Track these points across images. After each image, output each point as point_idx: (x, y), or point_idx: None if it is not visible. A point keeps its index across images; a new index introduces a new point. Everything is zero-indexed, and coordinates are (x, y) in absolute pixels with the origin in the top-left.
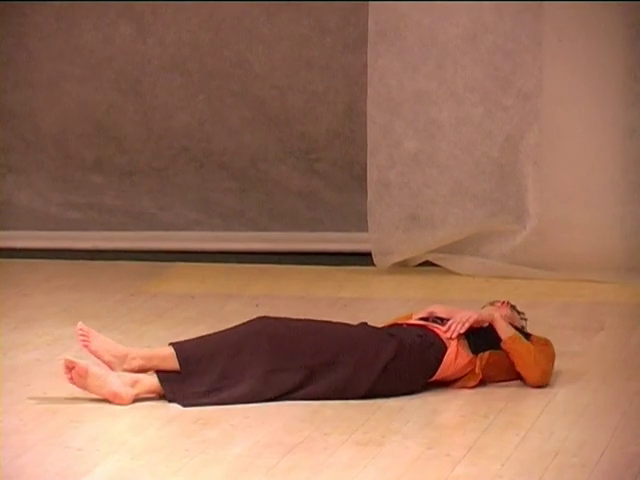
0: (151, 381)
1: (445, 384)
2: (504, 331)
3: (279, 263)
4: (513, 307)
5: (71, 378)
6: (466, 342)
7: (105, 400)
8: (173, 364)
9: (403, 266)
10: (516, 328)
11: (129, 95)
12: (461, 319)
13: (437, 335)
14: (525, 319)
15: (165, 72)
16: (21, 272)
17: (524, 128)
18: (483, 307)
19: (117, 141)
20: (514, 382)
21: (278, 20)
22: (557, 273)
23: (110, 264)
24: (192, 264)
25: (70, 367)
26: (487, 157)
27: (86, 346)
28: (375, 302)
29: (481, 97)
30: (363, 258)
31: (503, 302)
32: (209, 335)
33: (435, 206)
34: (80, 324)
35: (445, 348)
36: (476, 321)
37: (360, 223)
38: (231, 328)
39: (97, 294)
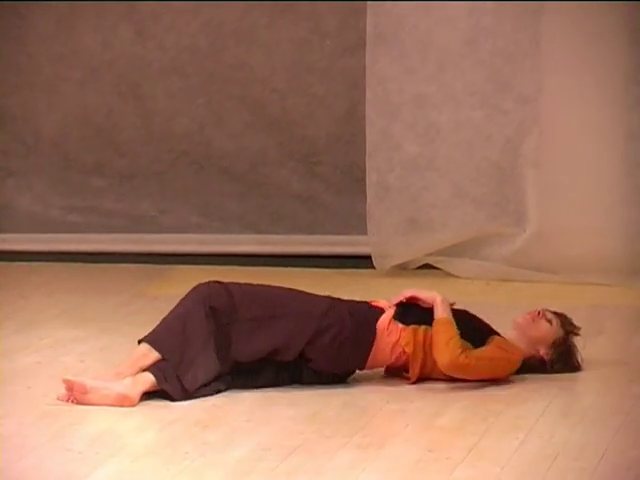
0: (145, 378)
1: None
2: (441, 312)
3: (279, 266)
4: (560, 317)
5: (74, 399)
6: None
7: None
8: (155, 356)
9: (403, 269)
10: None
11: (129, 99)
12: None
13: (378, 306)
14: (576, 333)
15: (165, 76)
16: (22, 275)
17: (524, 131)
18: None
19: (117, 145)
20: (515, 384)
21: (278, 24)
22: (557, 276)
23: (111, 267)
24: (192, 267)
25: (69, 387)
26: (487, 160)
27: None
28: None
29: (481, 100)
30: (363, 261)
31: (537, 312)
32: (166, 316)
33: (435, 209)
34: (63, 379)
35: (382, 312)
36: (415, 297)
37: (360, 226)
38: (180, 301)
39: (98, 297)
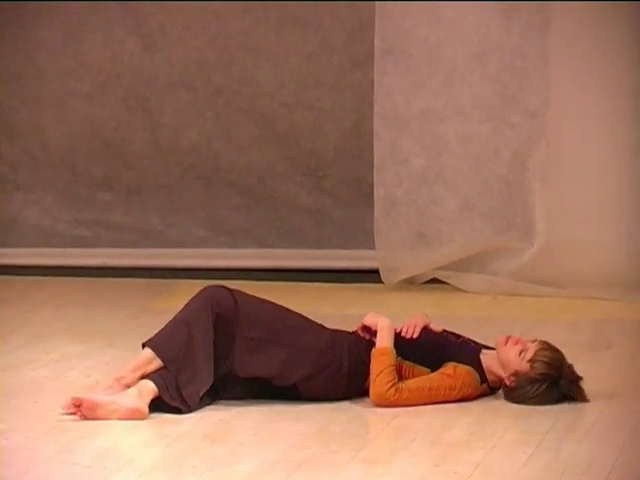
0: (149, 387)
1: None
2: (379, 340)
3: (286, 280)
4: (540, 353)
5: (82, 415)
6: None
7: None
8: (158, 363)
9: (410, 283)
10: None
11: (137, 112)
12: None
13: (365, 337)
14: (539, 379)
15: (173, 89)
16: (29, 289)
17: (531, 145)
18: (534, 341)
19: (125, 158)
20: None
21: (285, 37)
22: (564, 290)
23: (118, 281)
24: (200, 281)
25: (77, 404)
26: (494, 174)
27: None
28: None
29: (488, 114)
30: (371, 275)
31: (515, 339)
32: (172, 319)
33: (442, 223)
34: (72, 397)
35: (369, 344)
36: (366, 322)
37: (368, 240)
38: (187, 304)
39: (105, 311)
